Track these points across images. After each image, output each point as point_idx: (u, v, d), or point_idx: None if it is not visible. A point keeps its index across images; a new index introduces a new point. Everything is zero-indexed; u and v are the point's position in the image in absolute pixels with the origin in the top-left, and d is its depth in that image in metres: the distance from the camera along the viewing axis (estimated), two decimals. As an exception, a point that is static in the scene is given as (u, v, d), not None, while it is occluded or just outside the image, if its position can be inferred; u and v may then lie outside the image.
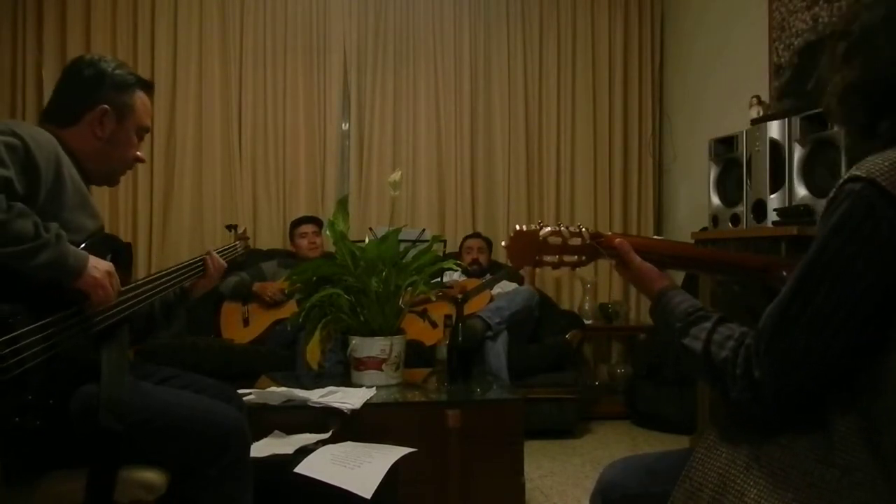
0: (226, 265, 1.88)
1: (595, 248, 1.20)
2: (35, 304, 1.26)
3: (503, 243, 1.22)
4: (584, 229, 1.20)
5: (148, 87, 1.64)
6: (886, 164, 0.80)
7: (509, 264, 3.92)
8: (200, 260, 1.81)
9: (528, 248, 1.18)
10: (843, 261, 0.83)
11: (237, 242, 2.12)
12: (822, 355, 0.86)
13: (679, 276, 3.85)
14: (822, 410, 0.90)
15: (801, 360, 0.87)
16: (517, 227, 1.19)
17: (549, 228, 1.18)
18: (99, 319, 1.38)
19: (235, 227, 2.29)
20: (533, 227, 1.19)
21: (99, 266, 1.35)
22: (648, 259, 1.19)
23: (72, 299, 1.33)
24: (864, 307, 0.83)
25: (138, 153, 1.64)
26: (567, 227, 1.19)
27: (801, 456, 0.89)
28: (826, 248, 0.84)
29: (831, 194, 0.86)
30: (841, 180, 0.85)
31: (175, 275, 1.68)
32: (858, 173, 0.82)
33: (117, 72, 1.56)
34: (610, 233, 1.22)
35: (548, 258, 1.19)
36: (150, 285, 1.57)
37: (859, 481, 0.83)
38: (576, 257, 1.20)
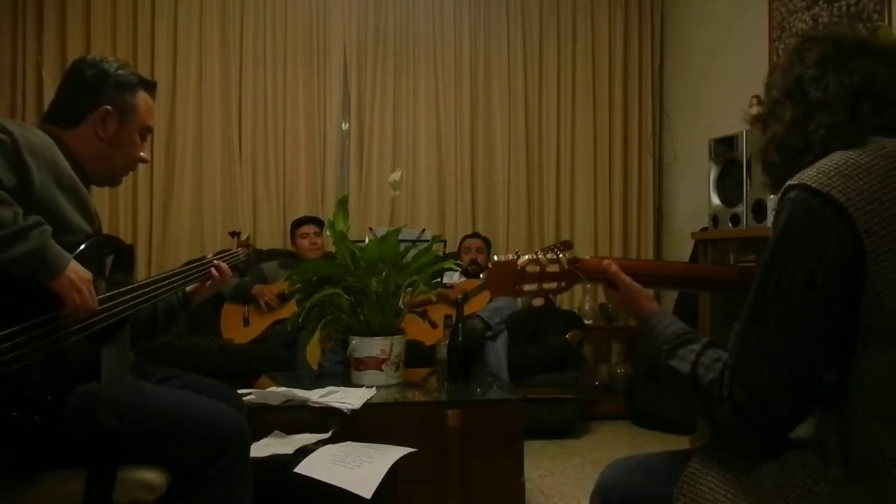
0: (230, 273, 1.85)
1: (574, 272, 1.19)
2: (36, 300, 1.26)
3: (481, 275, 1.22)
4: (560, 255, 1.20)
5: (150, 86, 1.63)
6: (813, 171, 0.86)
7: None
8: (206, 265, 1.77)
9: (507, 279, 1.18)
10: (794, 260, 0.85)
11: (239, 249, 2.10)
12: (795, 362, 0.85)
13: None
14: (815, 419, 0.90)
15: (779, 377, 0.86)
16: (495, 258, 1.20)
17: (526, 257, 1.18)
18: (99, 319, 1.38)
19: (238, 233, 2.24)
20: (511, 256, 1.18)
21: (79, 272, 1.29)
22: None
23: (50, 304, 1.27)
24: (825, 302, 0.84)
25: (141, 153, 1.63)
26: (545, 254, 1.19)
27: (792, 471, 0.88)
28: (777, 252, 0.87)
29: (776, 206, 0.89)
30: (780, 192, 0.89)
31: (178, 278, 1.65)
32: (793, 182, 0.87)
33: (119, 72, 1.55)
34: (588, 256, 1.22)
35: (527, 287, 1.18)
36: (152, 287, 1.54)
37: (848, 494, 0.83)
38: (555, 284, 1.19)
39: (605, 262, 1.19)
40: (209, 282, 1.78)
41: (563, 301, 4.45)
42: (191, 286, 1.77)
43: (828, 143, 0.91)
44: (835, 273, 0.83)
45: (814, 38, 0.98)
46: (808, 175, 0.86)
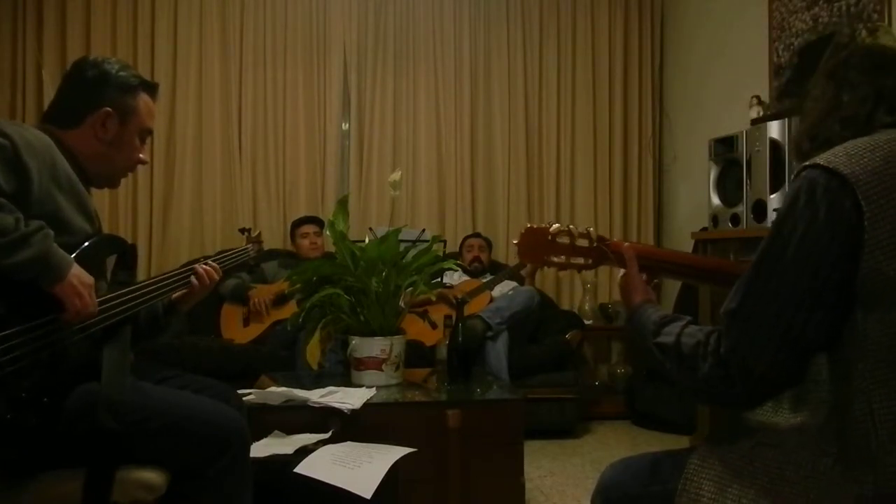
0: (217, 276, 1.76)
1: (602, 251, 1.21)
2: (36, 301, 1.26)
3: (514, 241, 1.24)
4: (590, 230, 1.22)
5: (152, 88, 1.62)
6: (828, 153, 0.93)
7: (516, 262, 3.94)
8: (190, 270, 1.70)
9: (538, 246, 1.20)
10: (800, 226, 0.89)
11: (249, 246, 2.08)
12: (788, 326, 0.89)
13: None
14: (811, 398, 0.92)
15: (766, 333, 0.90)
16: (528, 225, 1.22)
17: (557, 225, 1.20)
18: (100, 319, 1.37)
19: (249, 230, 2.24)
20: (543, 224, 1.21)
21: (81, 276, 1.31)
22: (649, 265, 1.21)
23: (49, 306, 1.28)
24: (823, 274, 0.88)
25: (141, 155, 1.62)
26: (576, 228, 1.21)
27: (794, 452, 0.90)
28: (784, 218, 0.92)
29: (790, 185, 0.96)
30: (795, 172, 0.97)
31: (162, 284, 1.59)
32: (806, 163, 0.94)
33: (121, 73, 1.55)
34: (616, 239, 1.24)
35: (555, 258, 1.21)
36: (135, 293, 1.49)
37: (849, 465, 0.85)
38: (582, 259, 1.22)
39: (626, 245, 1.22)
40: (189, 288, 1.70)
41: (564, 301, 4.46)
42: (177, 293, 1.70)
43: (843, 134, 0.98)
44: (836, 238, 0.87)
45: (858, 51, 1.05)
46: (819, 156, 0.93)
